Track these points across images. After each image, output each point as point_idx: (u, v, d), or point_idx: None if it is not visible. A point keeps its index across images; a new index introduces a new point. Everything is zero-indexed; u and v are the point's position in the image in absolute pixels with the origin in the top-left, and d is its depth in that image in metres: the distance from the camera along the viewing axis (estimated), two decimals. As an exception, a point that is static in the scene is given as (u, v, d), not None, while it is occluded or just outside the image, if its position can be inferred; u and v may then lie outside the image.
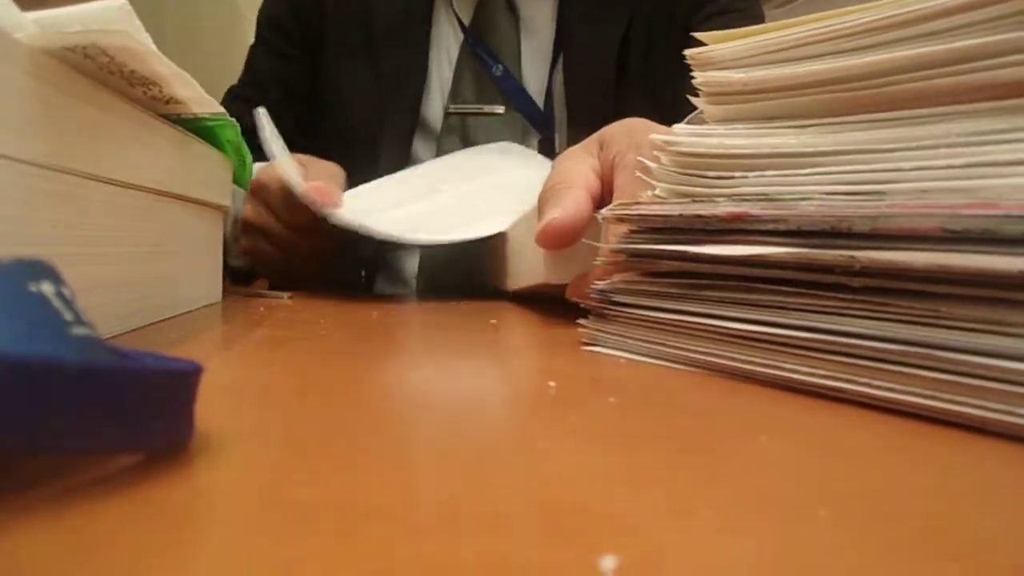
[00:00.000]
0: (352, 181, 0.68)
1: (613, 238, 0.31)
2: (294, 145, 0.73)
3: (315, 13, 0.86)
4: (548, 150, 0.80)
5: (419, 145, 0.83)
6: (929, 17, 0.22)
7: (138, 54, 0.29)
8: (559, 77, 0.82)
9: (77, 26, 0.31)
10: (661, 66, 0.77)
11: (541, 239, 0.40)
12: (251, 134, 0.58)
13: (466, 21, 0.83)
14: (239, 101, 0.84)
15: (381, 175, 0.76)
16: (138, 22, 0.34)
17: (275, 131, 0.62)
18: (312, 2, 0.86)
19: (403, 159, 0.81)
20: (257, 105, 0.65)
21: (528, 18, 0.83)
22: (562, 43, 0.82)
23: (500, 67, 0.80)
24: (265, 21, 0.90)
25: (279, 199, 0.63)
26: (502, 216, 0.59)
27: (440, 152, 0.81)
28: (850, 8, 0.24)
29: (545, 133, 0.81)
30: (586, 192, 0.40)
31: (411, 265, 0.82)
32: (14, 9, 0.27)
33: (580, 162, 0.43)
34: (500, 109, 0.81)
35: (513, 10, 0.82)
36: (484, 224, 0.59)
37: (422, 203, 0.66)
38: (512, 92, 0.81)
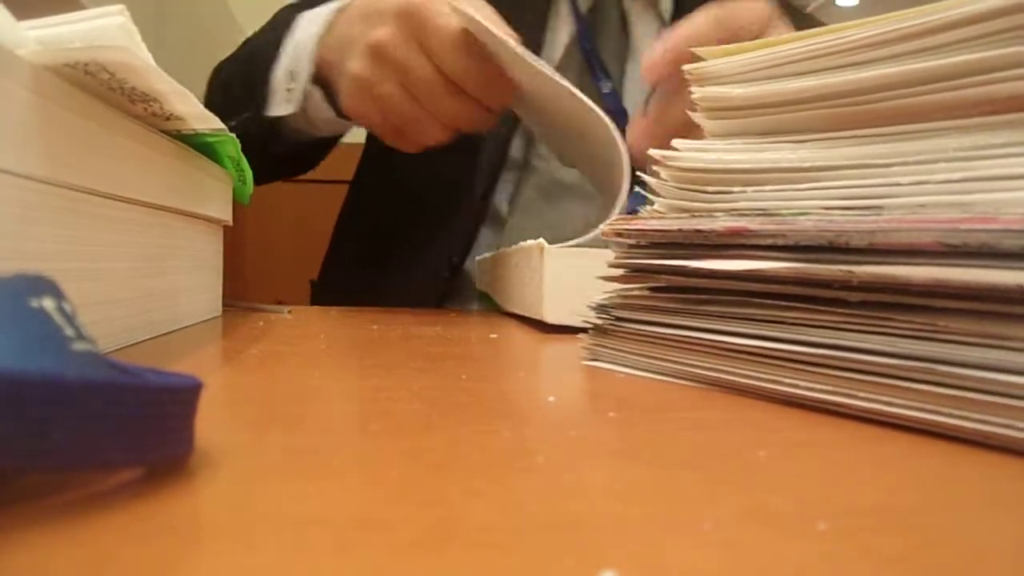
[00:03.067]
0: (438, 158, 0.61)
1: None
2: None
3: None
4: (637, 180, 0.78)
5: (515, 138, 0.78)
6: (926, 32, 0.23)
7: (138, 71, 0.29)
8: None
9: (78, 43, 0.31)
10: None
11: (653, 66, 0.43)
12: None
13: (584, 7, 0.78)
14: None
15: (476, 156, 0.73)
16: (139, 38, 0.34)
17: None
18: None
19: (502, 144, 0.77)
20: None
21: (638, 39, 0.79)
22: None
23: (609, 84, 0.76)
24: None
25: (451, 34, 0.51)
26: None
27: (528, 146, 0.77)
28: (848, 23, 0.25)
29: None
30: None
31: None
32: (15, 25, 0.27)
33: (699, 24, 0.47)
34: None
35: (625, 28, 0.78)
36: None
37: None
38: (616, 113, 0.74)
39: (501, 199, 0.79)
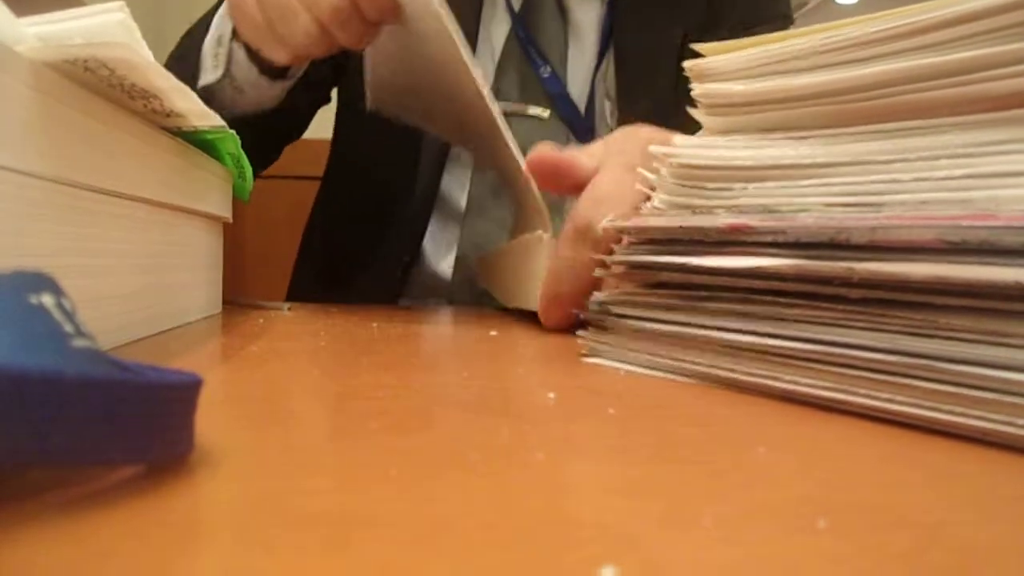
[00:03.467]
0: (381, 179, 0.62)
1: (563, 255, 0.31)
2: (326, 82, 0.70)
3: None
4: None
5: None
6: (928, 29, 0.22)
7: (138, 67, 0.29)
8: (602, 85, 0.80)
9: (78, 39, 0.31)
10: None
11: (536, 162, 0.41)
12: None
13: (516, 9, 0.79)
14: None
15: (419, 151, 0.74)
16: (139, 35, 0.34)
17: None
18: None
19: (440, 142, 0.78)
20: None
21: (577, 22, 0.80)
22: (607, 50, 0.79)
23: (548, 68, 0.77)
24: None
25: None
26: None
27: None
28: (849, 20, 0.25)
29: (585, 140, 0.77)
30: (590, 164, 0.41)
31: (445, 267, 0.79)
32: (15, 22, 0.27)
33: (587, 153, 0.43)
34: (545, 113, 0.78)
35: (563, 12, 0.80)
36: None
37: None
38: (557, 96, 0.78)
39: (458, 195, 0.80)
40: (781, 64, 0.26)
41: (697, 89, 0.29)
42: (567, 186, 0.42)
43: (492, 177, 0.77)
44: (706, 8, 0.79)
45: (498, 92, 0.77)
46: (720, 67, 0.28)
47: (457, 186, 0.80)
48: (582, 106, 0.79)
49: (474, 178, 0.79)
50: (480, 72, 0.49)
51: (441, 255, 0.80)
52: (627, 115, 0.77)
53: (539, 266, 0.45)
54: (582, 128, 0.79)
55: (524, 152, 0.69)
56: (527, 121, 0.77)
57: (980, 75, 0.21)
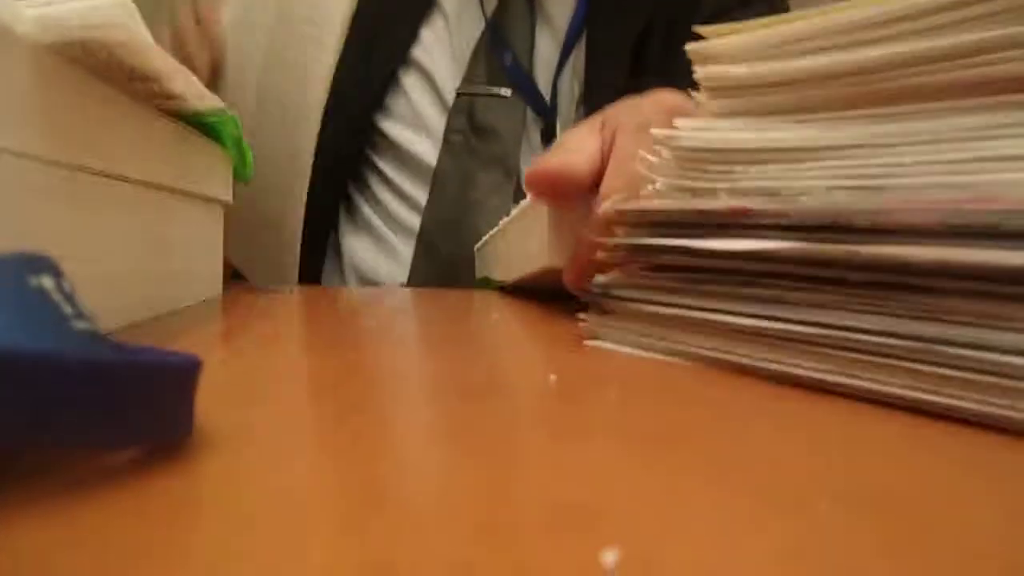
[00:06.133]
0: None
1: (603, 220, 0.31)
2: None
3: None
4: (552, 137, 0.83)
5: (432, 116, 0.86)
6: (932, 11, 0.22)
7: (138, 49, 0.29)
8: (568, 71, 0.84)
9: (77, 21, 0.31)
10: (683, 61, 0.75)
11: (530, 180, 0.40)
12: None
13: (489, 11, 0.85)
14: None
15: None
16: (139, 17, 0.34)
17: None
18: None
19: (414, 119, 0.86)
20: None
21: (545, 9, 0.86)
22: (576, 37, 0.84)
23: (510, 55, 0.83)
24: None
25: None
26: None
27: (448, 128, 0.84)
28: (853, 2, 0.24)
29: (549, 120, 0.84)
30: (586, 155, 0.40)
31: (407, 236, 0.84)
32: (13, 4, 0.27)
33: (584, 136, 0.42)
34: (507, 92, 0.83)
35: (531, 7, 0.85)
36: None
37: None
38: (519, 82, 0.83)
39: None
40: (783, 47, 0.26)
41: (699, 72, 0.29)
42: (571, 193, 0.40)
43: (457, 150, 0.84)
44: None
45: (473, 77, 0.84)
46: (722, 49, 0.28)
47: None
48: (547, 90, 0.85)
49: (440, 154, 0.84)
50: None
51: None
52: (589, 98, 0.83)
53: (538, 223, 0.44)
54: (544, 112, 0.84)
55: (495, 126, 0.79)
56: (492, 100, 0.84)
57: (984, 58, 0.21)
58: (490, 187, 0.81)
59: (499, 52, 0.84)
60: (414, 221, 0.84)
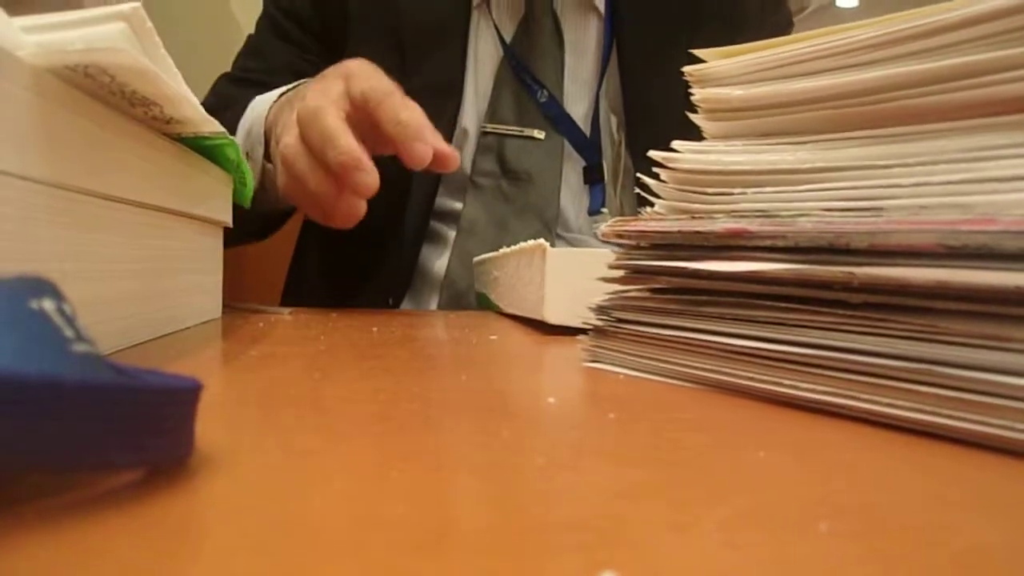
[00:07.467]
0: (375, 203, 0.60)
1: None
2: None
3: (338, 11, 0.81)
4: (596, 176, 0.79)
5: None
6: (927, 34, 0.22)
7: (140, 74, 0.29)
8: (605, 102, 0.80)
9: (80, 46, 0.31)
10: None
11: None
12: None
13: (507, 36, 0.80)
14: (245, 85, 0.78)
15: (411, 194, 0.76)
16: (138, 44, 0.34)
17: None
18: None
19: (434, 179, 0.79)
20: (268, 91, 0.65)
21: (574, 41, 0.81)
22: (607, 64, 0.80)
23: (544, 93, 0.78)
24: (282, 10, 0.85)
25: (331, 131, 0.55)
26: None
27: (475, 170, 0.79)
28: (849, 25, 0.25)
29: (593, 159, 0.79)
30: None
31: (434, 281, 0.81)
32: (15, 28, 0.27)
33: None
34: (541, 135, 0.78)
35: (558, 32, 0.80)
36: None
37: None
38: (557, 119, 0.78)
39: (452, 214, 0.82)
40: (781, 69, 0.26)
41: (697, 94, 0.29)
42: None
43: (488, 196, 0.79)
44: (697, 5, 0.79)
45: (494, 114, 0.79)
46: (720, 72, 0.28)
47: (452, 204, 0.81)
48: (587, 125, 0.80)
49: (467, 198, 0.80)
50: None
51: (432, 265, 0.81)
52: (635, 127, 0.78)
53: (537, 274, 0.45)
54: (587, 147, 0.79)
55: (530, 171, 0.77)
56: (524, 141, 0.79)
57: (979, 80, 0.21)
58: (527, 237, 0.77)
59: (527, 86, 0.79)
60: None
